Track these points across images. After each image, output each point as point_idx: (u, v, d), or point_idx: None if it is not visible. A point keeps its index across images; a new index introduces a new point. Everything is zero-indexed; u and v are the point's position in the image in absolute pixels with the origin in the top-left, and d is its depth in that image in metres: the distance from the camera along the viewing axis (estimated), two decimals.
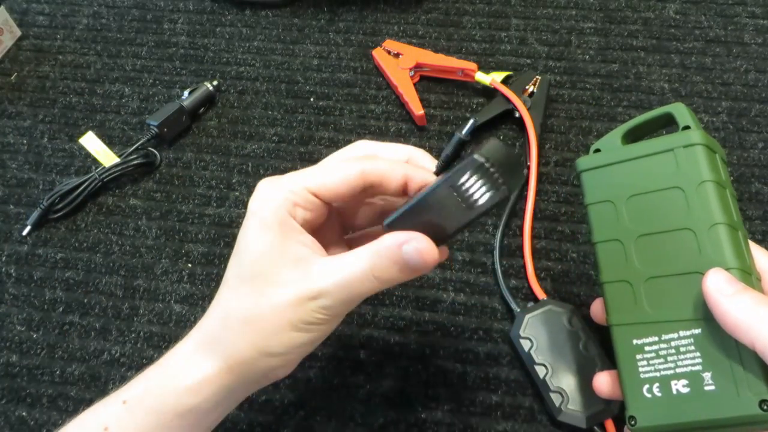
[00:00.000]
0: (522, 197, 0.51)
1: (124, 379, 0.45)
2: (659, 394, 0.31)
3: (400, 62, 0.58)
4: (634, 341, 0.32)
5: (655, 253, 0.33)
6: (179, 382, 0.31)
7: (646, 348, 0.32)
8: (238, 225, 0.52)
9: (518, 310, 0.45)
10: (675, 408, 0.30)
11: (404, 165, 0.32)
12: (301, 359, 0.33)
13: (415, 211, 0.30)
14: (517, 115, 0.54)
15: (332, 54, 0.61)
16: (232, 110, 0.59)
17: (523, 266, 0.48)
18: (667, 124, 0.36)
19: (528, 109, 0.53)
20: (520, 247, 0.49)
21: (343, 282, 0.30)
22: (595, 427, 0.41)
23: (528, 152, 0.52)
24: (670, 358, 0.31)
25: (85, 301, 0.49)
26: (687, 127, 0.34)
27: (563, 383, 0.41)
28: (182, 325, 0.48)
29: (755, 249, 0.33)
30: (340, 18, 0.64)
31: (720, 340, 0.30)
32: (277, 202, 0.32)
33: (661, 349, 0.31)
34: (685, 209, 0.32)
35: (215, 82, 0.59)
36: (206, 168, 0.55)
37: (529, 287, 0.47)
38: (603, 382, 0.35)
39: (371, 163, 0.32)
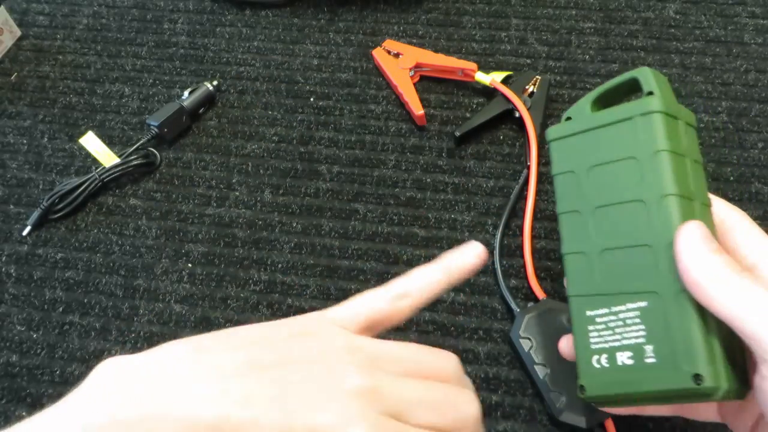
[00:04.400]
0: (522, 197, 0.51)
1: None
2: (606, 365, 0.32)
3: (400, 62, 0.58)
4: (588, 312, 0.33)
5: (609, 224, 0.33)
6: None
7: (597, 319, 0.32)
8: (238, 225, 0.52)
9: (518, 310, 0.45)
10: (619, 379, 0.31)
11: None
12: None
13: None
14: (517, 115, 0.54)
15: (332, 54, 0.61)
16: (232, 110, 0.59)
17: (523, 266, 0.48)
18: (636, 89, 0.35)
19: (528, 109, 0.53)
20: (520, 247, 0.49)
21: None
22: (595, 427, 0.41)
23: (528, 152, 0.52)
24: (617, 330, 0.31)
25: (85, 301, 0.49)
26: (651, 93, 0.32)
27: (563, 383, 0.41)
28: (182, 325, 0.48)
29: (750, 233, 0.31)
30: (340, 18, 0.64)
31: (663, 314, 0.30)
32: None
33: (610, 321, 0.32)
34: (639, 180, 0.32)
35: (215, 82, 0.59)
36: (206, 168, 0.55)
37: (529, 287, 0.47)
38: (566, 345, 0.35)
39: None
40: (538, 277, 0.47)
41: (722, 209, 0.32)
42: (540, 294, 0.46)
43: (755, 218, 0.49)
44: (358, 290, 0.48)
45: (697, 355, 0.28)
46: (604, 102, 0.36)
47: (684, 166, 0.31)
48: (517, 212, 0.51)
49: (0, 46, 0.63)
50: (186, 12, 0.66)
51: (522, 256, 0.48)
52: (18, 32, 0.65)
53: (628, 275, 0.32)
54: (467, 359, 0.45)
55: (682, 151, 0.31)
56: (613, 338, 0.32)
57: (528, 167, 0.52)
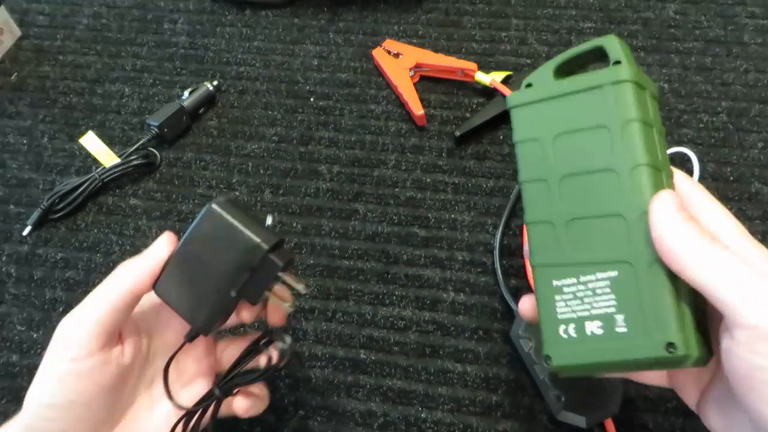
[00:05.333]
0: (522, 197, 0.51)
1: None
2: (574, 335, 0.31)
3: (400, 62, 0.58)
4: (554, 282, 0.32)
5: (578, 194, 0.32)
6: None
7: (565, 289, 0.32)
8: None
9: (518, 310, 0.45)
10: (588, 348, 0.31)
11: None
12: None
13: None
14: None
15: (332, 54, 0.61)
16: (232, 110, 0.59)
17: (523, 266, 0.48)
18: (600, 58, 0.34)
19: None
20: (520, 247, 0.49)
21: None
22: (595, 427, 0.41)
23: None
24: (586, 300, 0.31)
25: None
26: (618, 62, 0.32)
27: (563, 383, 0.41)
28: None
29: (708, 204, 0.31)
30: (340, 18, 0.64)
31: (635, 283, 0.30)
32: None
33: (578, 291, 0.31)
34: (610, 149, 0.31)
35: (215, 82, 0.59)
36: (206, 168, 0.55)
37: (529, 287, 0.47)
38: (527, 306, 0.35)
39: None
40: None
41: (679, 180, 0.32)
42: None
43: (755, 218, 0.49)
44: (358, 290, 0.48)
45: (670, 323, 0.28)
46: (566, 70, 0.35)
47: (652, 137, 0.31)
48: (517, 212, 0.51)
49: (0, 46, 0.63)
50: (186, 12, 0.66)
51: (522, 256, 0.48)
52: (18, 32, 0.65)
53: (597, 245, 0.31)
54: (467, 359, 0.45)
55: (650, 121, 0.31)
56: (581, 308, 0.31)
57: None
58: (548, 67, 0.35)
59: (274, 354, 0.34)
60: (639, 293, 0.30)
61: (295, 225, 0.52)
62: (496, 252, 0.49)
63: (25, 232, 0.52)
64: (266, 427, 0.43)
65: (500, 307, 0.47)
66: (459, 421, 0.43)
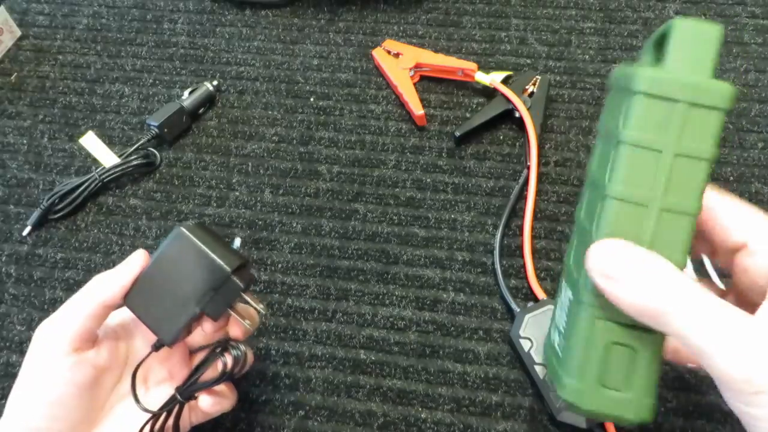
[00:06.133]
0: (522, 197, 0.51)
1: None
2: (552, 338, 0.33)
3: (400, 62, 0.58)
4: (563, 282, 0.32)
5: (586, 204, 0.30)
6: None
7: (561, 293, 0.32)
8: (238, 225, 0.52)
9: (518, 310, 0.45)
10: (549, 353, 0.32)
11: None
12: None
13: None
14: (517, 115, 0.54)
15: (332, 54, 0.61)
16: (232, 110, 0.59)
17: (523, 266, 0.48)
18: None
19: (528, 109, 0.54)
20: (520, 247, 0.49)
21: None
22: (595, 428, 0.41)
23: (528, 152, 0.52)
24: (562, 309, 0.31)
25: None
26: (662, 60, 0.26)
27: None
28: None
29: (735, 210, 0.28)
30: (340, 18, 0.64)
31: (572, 312, 0.29)
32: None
33: (564, 298, 0.31)
34: (605, 168, 0.28)
35: (215, 82, 0.59)
36: (206, 168, 0.55)
37: (529, 287, 0.47)
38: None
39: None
40: (538, 277, 0.47)
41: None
42: (540, 294, 0.46)
43: None
44: (358, 290, 0.48)
45: (570, 369, 0.28)
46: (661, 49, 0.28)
47: (650, 164, 0.26)
48: (517, 212, 0.51)
49: (0, 46, 0.63)
50: (186, 12, 0.66)
51: (522, 256, 0.48)
52: (18, 32, 0.65)
53: (576, 262, 0.30)
54: (467, 359, 0.45)
55: (657, 144, 0.26)
56: (558, 315, 0.32)
57: (528, 167, 0.52)
58: (650, 42, 0.29)
59: (229, 360, 0.37)
60: (570, 323, 0.29)
61: (295, 225, 0.52)
62: (496, 252, 0.48)
63: (25, 232, 0.52)
64: (266, 427, 0.43)
65: (500, 307, 0.47)
66: (459, 421, 0.43)
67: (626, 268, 0.26)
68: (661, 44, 0.27)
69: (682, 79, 0.25)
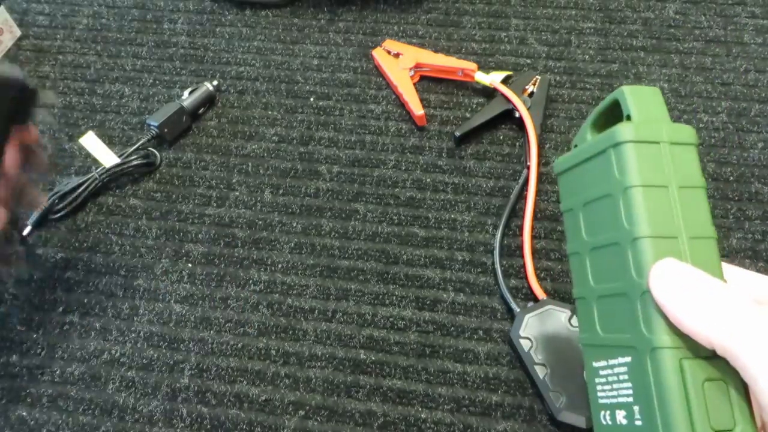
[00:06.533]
0: (522, 197, 0.51)
1: (123, 379, 0.46)
2: (610, 422, 0.29)
3: (400, 62, 0.58)
4: (593, 363, 0.30)
5: (599, 270, 0.30)
6: None
7: (600, 372, 0.30)
8: (238, 225, 0.52)
9: (518, 310, 0.45)
10: None
11: None
12: None
13: None
14: (517, 115, 0.54)
15: (332, 54, 0.61)
16: (232, 110, 0.59)
17: (523, 266, 0.48)
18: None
19: (528, 109, 0.54)
20: (520, 247, 0.49)
21: None
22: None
23: (528, 152, 0.52)
24: (615, 386, 0.29)
25: (85, 301, 0.49)
26: (629, 117, 0.29)
27: (563, 383, 0.41)
28: (182, 325, 0.48)
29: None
30: (340, 18, 0.64)
31: (642, 372, 0.27)
32: None
33: (609, 375, 0.29)
34: (614, 221, 0.28)
35: (215, 82, 0.59)
36: (206, 168, 0.55)
37: (529, 287, 0.47)
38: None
39: None
40: (538, 277, 0.47)
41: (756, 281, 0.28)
42: (540, 294, 0.46)
43: (755, 218, 0.49)
44: (358, 290, 0.48)
45: (678, 422, 0.25)
46: (601, 125, 0.32)
47: (664, 199, 0.28)
48: (517, 212, 0.51)
49: (0, 46, 0.63)
50: (186, 12, 0.66)
51: (522, 256, 0.48)
52: (18, 32, 0.65)
53: (615, 327, 0.29)
54: (467, 359, 0.45)
55: (661, 181, 0.28)
56: (612, 394, 0.29)
57: (528, 167, 0.52)
58: (587, 125, 0.32)
59: None
60: (646, 383, 0.26)
61: (295, 225, 0.52)
62: (496, 252, 0.49)
63: (25, 232, 0.52)
64: (266, 427, 0.43)
65: (500, 307, 0.47)
66: (459, 421, 0.43)
67: (692, 284, 0.25)
68: (607, 116, 0.31)
69: (654, 126, 0.28)
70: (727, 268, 0.29)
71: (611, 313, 0.29)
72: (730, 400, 0.25)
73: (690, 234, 0.27)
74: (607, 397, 0.29)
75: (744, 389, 0.26)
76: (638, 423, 0.27)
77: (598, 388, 0.30)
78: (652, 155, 0.28)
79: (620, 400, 0.28)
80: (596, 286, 0.30)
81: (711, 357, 0.26)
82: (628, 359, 0.28)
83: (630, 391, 0.28)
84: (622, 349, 0.28)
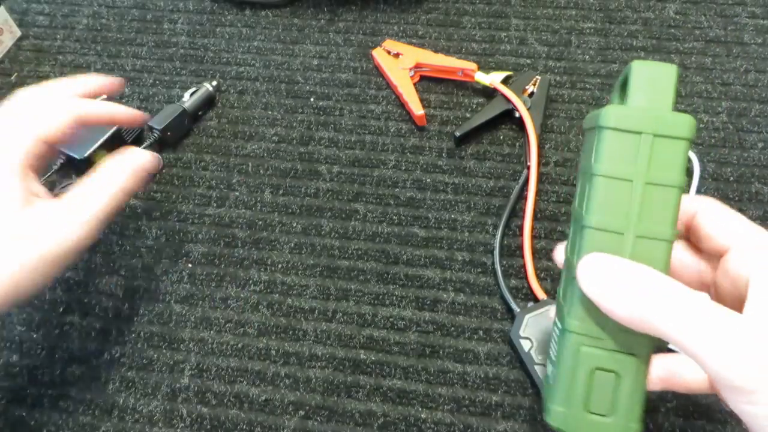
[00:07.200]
0: (522, 197, 0.51)
1: (124, 380, 0.46)
2: (547, 374, 0.33)
3: (400, 62, 0.58)
4: (556, 320, 0.33)
5: (572, 240, 0.31)
6: None
7: (555, 328, 0.33)
8: (238, 225, 0.52)
9: (518, 310, 0.45)
10: (546, 387, 0.32)
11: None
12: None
13: None
14: (517, 115, 0.54)
15: (332, 54, 0.61)
16: (232, 110, 0.59)
17: (523, 266, 0.48)
18: None
19: (528, 109, 0.54)
20: (520, 247, 0.49)
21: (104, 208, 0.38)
22: None
23: (528, 152, 0.52)
24: (551, 344, 0.32)
25: (85, 301, 0.49)
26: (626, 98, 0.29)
27: None
28: (182, 325, 0.48)
29: (720, 215, 0.29)
30: (340, 18, 0.64)
31: (559, 341, 0.30)
32: (22, 150, 0.37)
33: (554, 334, 0.32)
34: (581, 200, 0.30)
35: (215, 83, 0.59)
36: (206, 168, 0.55)
37: (529, 287, 0.47)
38: (561, 252, 0.34)
39: (84, 107, 0.40)
40: (538, 277, 0.47)
41: (691, 199, 0.31)
42: (540, 294, 0.46)
43: (755, 218, 0.49)
44: (358, 290, 0.48)
45: (557, 395, 0.29)
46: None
47: (623, 194, 0.28)
48: (517, 212, 0.51)
49: (0, 46, 0.63)
50: (186, 12, 0.66)
51: (522, 256, 0.48)
52: (18, 32, 0.65)
53: (565, 297, 0.31)
54: (467, 359, 0.45)
55: (627, 174, 0.27)
56: (551, 346, 0.32)
57: (528, 167, 0.52)
58: (617, 84, 0.31)
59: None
60: (558, 351, 0.30)
61: (295, 225, 0.52)
62: (496, 252, 0.49)
63: None
64: (266, 427, 0.43)
65: (500, 307, 0.47)
66: (459, 421, 0.43)
67: (616, 275, 0.27)
68: (624, 86, 0.29)
69: (645, 113, 0.27)
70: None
71: (566, 284, 0.31)
72: (617, 392, 0.29)
73: (639, 232, 0.28)
74: (551, 350, 0.32)
75: (639, 389, 0.29)
76: (550, 382, 0.31)
77: (551, 341, 0.33)
78: (626, 146, 0.27)
79: (551, 355, 0.32)
80: (569, 256, 0.31)
81: (615, 351, 0.28)
82: (558, 326, 0.31)
83: (554, 353, 0.31)
84: (560, 316, 0.31)
